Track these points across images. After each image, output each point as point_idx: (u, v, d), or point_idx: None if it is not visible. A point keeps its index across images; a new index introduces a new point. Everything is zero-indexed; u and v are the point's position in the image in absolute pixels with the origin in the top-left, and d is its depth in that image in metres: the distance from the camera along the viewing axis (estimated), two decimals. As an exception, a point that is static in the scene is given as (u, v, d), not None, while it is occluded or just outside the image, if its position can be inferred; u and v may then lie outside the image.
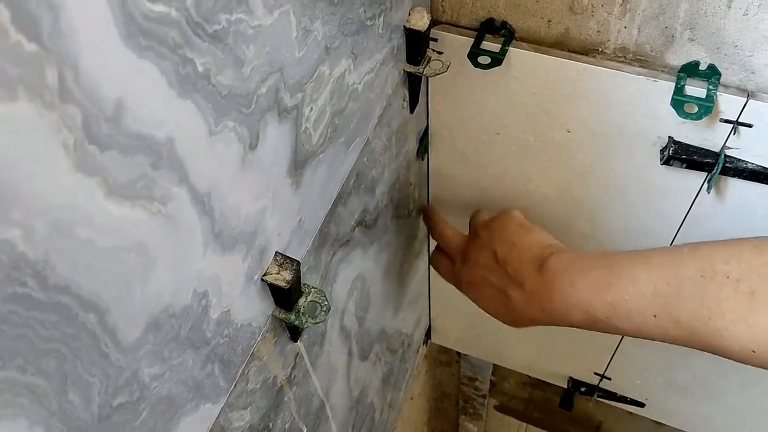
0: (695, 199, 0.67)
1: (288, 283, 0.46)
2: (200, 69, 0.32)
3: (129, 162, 0.29)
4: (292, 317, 0.50)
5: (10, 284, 0.25)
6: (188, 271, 0.37)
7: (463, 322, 1.09)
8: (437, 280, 1.03)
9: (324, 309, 0.50)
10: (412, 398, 1.33)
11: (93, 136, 0.27)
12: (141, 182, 0.31)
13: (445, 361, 1.40)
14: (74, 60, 0.25)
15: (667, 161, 0.63)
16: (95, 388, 0.32)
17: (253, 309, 0.47)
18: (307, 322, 0.49)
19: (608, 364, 1.00)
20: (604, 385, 1.05)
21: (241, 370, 0.48)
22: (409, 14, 0.58)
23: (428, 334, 1.16)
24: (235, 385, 0.47)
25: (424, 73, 0.62)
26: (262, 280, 0.46)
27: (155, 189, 0.32)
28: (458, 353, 1.34)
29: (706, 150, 0.62)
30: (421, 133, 0.74)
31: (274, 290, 0.47)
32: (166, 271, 0.35)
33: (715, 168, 0.61)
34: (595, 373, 1.04)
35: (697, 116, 0.57)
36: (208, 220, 0.37)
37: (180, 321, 0.38)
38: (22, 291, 0.26)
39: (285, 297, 0.48)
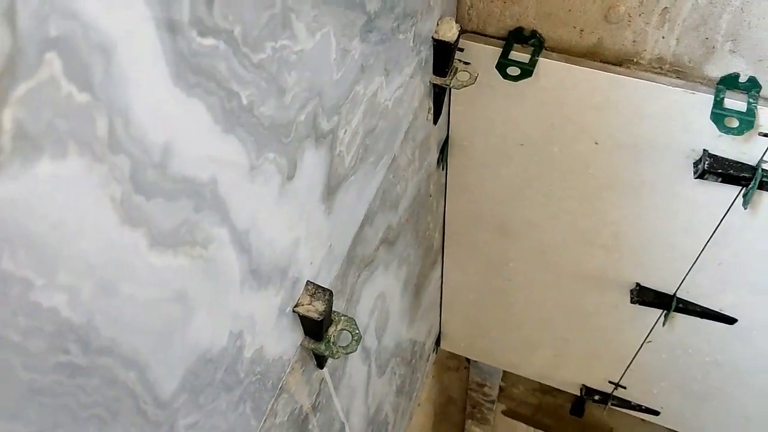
0: (726, 213, 0.65)
1: (321, 314, 0.44)
2: (245, 102, 0.30)
3: (173, 207, 0.27)
4: (323, 347, 0.47)
5: (54, 354, 0.23)
6: (225, 313, 0.35)
7: (474, 330, 1.07)
8: (449, 287, 1.01)
9: (356, 339, 0.47)
10: (419, 404, 1.31)
11: (140, 185, 0.24)
12: (184, 227, 0.28)
13: (453, 367, 1.38)
14: (125, 106, 0.22)
15: (701, 175, 0.61)
16: (134, 449, 0.29)
17: (284, 342, 0.44)
18: (338, 352, 0.47)
19: (623, 373, 0.99)
20: (619, 393, 1.03)
21: (270, 406, 0.45)
22: (438, 25, 0.56)
23: (437, 341, 1.14)
24: (265, 421, 0.45)
25: (452, 86, 0.59)
26: (294, 311, 0.44)
27: (197, 232, 0.29)
28: (467, 359, 1.32)
29: (743, 164, 0.59)
30: (442, 142, 0.72)
31: (305, 321, 0.45)
32: (204, 316, 0.32)
33: (753, 182, 0.59)
34: (610, 382, 1.02)
35: (738, 131, 0.55)
36: (246, 257, 0.35)
37: (216, 365, 0.35)
38: (65, 359, 0.23)
39: (316, 327, 0.46)
